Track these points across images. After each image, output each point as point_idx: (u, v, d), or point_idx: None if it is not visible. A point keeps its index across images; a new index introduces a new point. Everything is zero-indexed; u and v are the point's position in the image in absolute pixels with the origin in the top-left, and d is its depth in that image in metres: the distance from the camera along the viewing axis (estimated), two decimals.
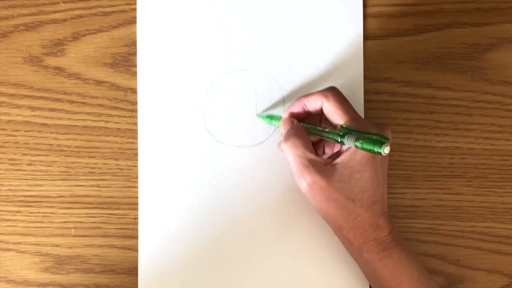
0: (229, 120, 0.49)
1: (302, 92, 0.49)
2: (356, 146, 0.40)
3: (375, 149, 0.39)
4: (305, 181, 0.43)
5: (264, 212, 0.49)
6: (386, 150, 0.39)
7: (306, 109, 0.46)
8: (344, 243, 0.46)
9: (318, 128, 0.45)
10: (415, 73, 0.50)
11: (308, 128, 0.45)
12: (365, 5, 0.50)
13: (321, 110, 0.45)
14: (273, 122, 0.48)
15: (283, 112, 0.47)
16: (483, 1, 0.50)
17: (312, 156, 0.43)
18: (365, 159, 0.43)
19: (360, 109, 0.49)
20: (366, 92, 0.49)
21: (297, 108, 0.46)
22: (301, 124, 0.46)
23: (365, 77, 0.49)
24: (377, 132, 0.42)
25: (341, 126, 0.43)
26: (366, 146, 0.39)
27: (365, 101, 0.49)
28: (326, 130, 0.44)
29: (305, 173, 0.43)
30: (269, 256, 0.49)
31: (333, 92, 0.44)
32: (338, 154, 0.43)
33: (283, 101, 0.49)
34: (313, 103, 0.45)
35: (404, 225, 0.50)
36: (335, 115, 0.43)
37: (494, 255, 0.50)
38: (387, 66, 0.50)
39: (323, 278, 0.48)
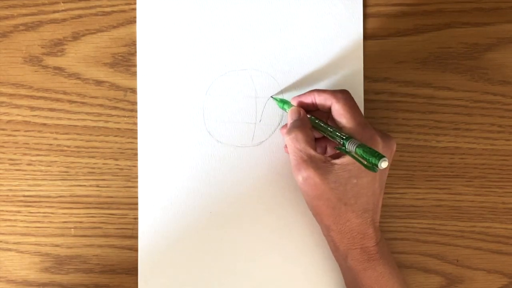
0: (229, 120, 0.49)
1: (302, 92, 0.48)
2: (355, 153, 0.40)
3: (372, 160, 0.38)
4: (301, 175, 0.43)
5: (264, 212, 0.49)
6: (383, 164, 0.38)
7: (315, 103, 0.45)
8: (330, 245, 0.46)
9: (324, 125, 0.45)
10: (415, 73, 0.50)
11: (314, 122, 0.45)
12: (365, 5, 0.50)
13: (330, 109, 0.44)
14: (284, 107, 0.47)
15: (292, 99, 0.47)
16: (483, 1, 0.50)
17: (311, 151, 0.43)
18: None
19: (360, 109, 0.49)
20: (366, 92, 0.49)
21: (307, 99, 0.46)
22: (309, 116, 0.46)
23: (365, 77, 0.49)
24: (383, 140, 0.43)
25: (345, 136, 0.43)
26: (365, 155, 0.39)
27: (365, 101, 0.49)
28: (332, 128, 0.44)
29: (302, 167, 0.43)
30: (269, 256, 0.49)
31: (344, 96, 0.44)
32: (340, 155, 0.43)
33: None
34: (323, 100, 0.45)
35: (404, 225, 0.50)
36: (342, 118, 0.43)
37: (493, 255, 0.50)
38: (387, 66, 0.50)
39: (323, 278, 0.48)
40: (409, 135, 0.50)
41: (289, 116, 0.46)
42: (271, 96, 0.49)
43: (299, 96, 0.46)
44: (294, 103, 0.46)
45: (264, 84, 0.49)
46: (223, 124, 0.49)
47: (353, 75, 0.49)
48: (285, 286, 0.49)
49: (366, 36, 0.50)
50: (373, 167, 0.38)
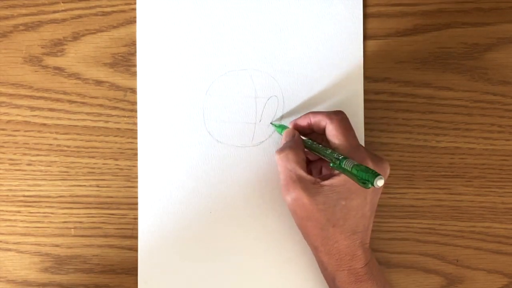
0: (229, 120, 0.49)
1: (302, 92, 0.49)
2: (351, 172, 0.39)
3: (368, 178, 0.37)
4: (290, 195, 0.43)
5: (264, 212, 0.49)
6: (379, 182, 0.37)
7: (311, 125, 0.46)
8: (319, 265, 0.46)
9: (319, 146, 0.44)
10: (415, 73, 0.50)
11: (309, 144, 0.45)
12: (365, 5, 0.50)
13: (324, 130, 0.45)
14: (282, 132, 0.48)
15: (289, 123, 0.47)
16: (483, 1, 0.50)
17: (301, 172, 0.43)
18: (355, 187, 0.42)
19: (360, 109, 0.49)
20: (366, 92, 0.49)
21: (303, 121, 0.46)
22: (303, 138, 0.46)
23: (365, 77, 0.49)
24: (374, 163, 0.42)
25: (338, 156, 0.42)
26: (360, 173, 0.38)
27: (365, 101, 0.49)
28: (327, 150, 0.43)
29: (290, 187, 0.43)
30: (269, 256, 0.49)
31: (339, 117, 0.44)
32: (329, 176, 0.43)
33: (283, 102, 0.49)
34: (317, 122, 0.45)
35: (404, 225, 0.50)
36: (335, 139, 0.43)
37: (493, 255, 0.50)
38: (387, 66, 0.50)
39: (322, 279, 0.48)
40: (409, 135, 0.50)
41: (283, 138, 0.46)
42: (271, 123, 0.49)
43: (296, 119, 0.47)
44: (291, 126, 0.47)
45: (264, 84, 0.49)
46: (223, 124, 0.49)
47: (353, 75, 0.49)
48: (285, 286, 0.49)
49: (366, 36, 0.50)
50: (366, 184, 0.38)
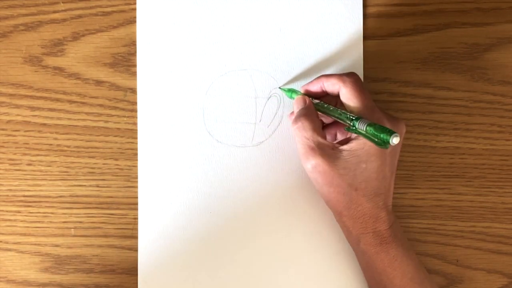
0: (229, 120, 0.49)
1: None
2: (366, 131, 0.40)
3: (383, 136, 0.38)
4: (310, 163, 0.43)
5: (264, 212, 0.49)
6: (395, 140, 0.38)
7: (323, 89, 0.45)
8: (343, 230, 0.46)
9: (332, 107, 0.44)
10: (415, 73, 0.50)
11: (322, 107, 0.45)
12: (365, 5, 0.50)
13: (338, 93, 0.44)
14: (293, 95, 0.47)
15: (301, 88, 0.47)
16: (483, 1, 0.50)
17: (319, 139, 0.43)
18: (373, 149, 0.42)
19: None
20: None
21: (315, 86, 0.46)
22: (316, 101, 0.45)
23: (365, 77, 0.49)
24: (391, 123, 0.43)
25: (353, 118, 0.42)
26: (376, 132, 0.38)
27: None
28: (339, 110, 0.43)
29: (310, 155, 0.43)
30: (269, 256, 0.49)
31: (352, 78, 0.44)
32: (347, 140, 0.43)
33: (283, 102, 0.49)
34: (330, 86, 0.44)
35: (404, 225, 0.50)
36: (350, 101, 0.43)
37: (493, 255, 0.50)
38: (387, 66, 0.50)
39: (322, 279, 0.48)
40: (409, 135, 0.50)
41: (294, 105, 0.46)
42: (279, 87, 0.49)
43: (307, 84, 0.46)
44: (302, 91, 0.46)
45: (264, 84, 0.49)
46: (223, 124, 0.49)
47: None
48: (285, 286, 0.49)
49: (366, 36, 0.50)
50: (384, 144, 0.38)
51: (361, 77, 0.49)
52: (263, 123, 0.49)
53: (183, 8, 0.49)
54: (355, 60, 0.49)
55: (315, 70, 0.49)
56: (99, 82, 0.49)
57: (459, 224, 0.50)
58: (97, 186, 0.49)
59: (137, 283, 0.49)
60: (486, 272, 0.50)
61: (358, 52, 0.49)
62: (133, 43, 0.49)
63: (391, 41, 0.50)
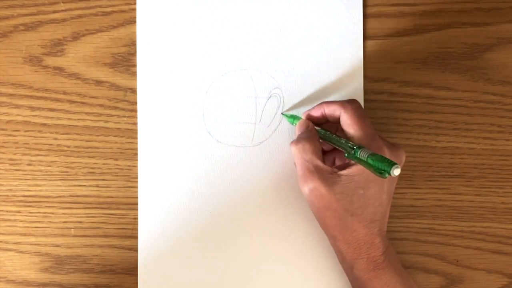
0: (229, 120, 0.49)
1: (302, 92, 0.49)
2: (367, 162, 0.40)
3: (384, 167, 0.38)
4: (307, 186, 0.43)
5: (264, 212, 0.49)
6: (395, 171, 0.37)
7: (325, 115, 0.46)
8: (337, 254, 0.46)
9: (333, 135, 0.45)
10: (415, 73, 0.50)
11: (323, 134, 0.45)
12: (365, 5, 0.50)
13: (339, 119, 0.44)
14: (295, 122, 0.47)
15: (302, 114, 0.47)
16: (483, 1, 0.50)
17: (318, 162, 0.43)
18: (372, 176, 0.42)
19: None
20: (366, 92, 0.49)
21: (316, 112, 0.46)
22: (317, 129, 0.46)
23: (365, 77, 0.49)
24: (390, 151, 0.43)
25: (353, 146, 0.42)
26: (376, 163, 0.38)
27: (365, 101, 0.49)
28: (341, 139, 0.43)
29: (308, 178, 0.43)
30: (268, 257, 0.49)
31: (353, 105, 0.44)
32: (346, 165, 0.43)
33: (283, 102, 0.49)
34: (332, 111, 0.45)
35: (404, 225, 0.50)
36: (350, 129, 0.43)
37: (493, 255, 0.50)
38: (387, 66, 0.50)
39: (321, 280, 0.48)
40: (409, 135, 0.50)
41: (296, 129, 0.46)
42: (282, 113, 0.49)
43: (309, 110, 0.47)
44: (303, 117, 0.47)
45: (264, 84, 0.49)
46: (223, 124, 0.49)
47: (353, 75, 0.49)
48: (286, 287, 0.49)
49: (366, 36, 0.50)
50: (384, 174, 0.38)
51: (361, 77, 0.49)
52: (263, 123, 0.49)
53: (183, 8, 0.49)
54: (355, 60, 0.49)
55: (315, 70, 0.49)
56: (99, 82, 0.49)
57: (459, 224, 0.50)
58: (97, 186, 0.49)
59: (137, 283, 0.49)
60: (486, 272, 0.50)
61: (358, 52, 0.49)
62: (133, 43, 0.49)
63: (391, 41, 0.50)
